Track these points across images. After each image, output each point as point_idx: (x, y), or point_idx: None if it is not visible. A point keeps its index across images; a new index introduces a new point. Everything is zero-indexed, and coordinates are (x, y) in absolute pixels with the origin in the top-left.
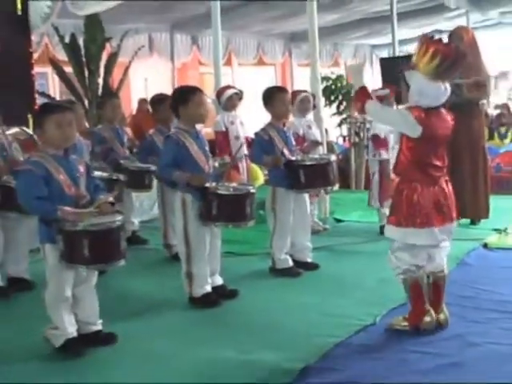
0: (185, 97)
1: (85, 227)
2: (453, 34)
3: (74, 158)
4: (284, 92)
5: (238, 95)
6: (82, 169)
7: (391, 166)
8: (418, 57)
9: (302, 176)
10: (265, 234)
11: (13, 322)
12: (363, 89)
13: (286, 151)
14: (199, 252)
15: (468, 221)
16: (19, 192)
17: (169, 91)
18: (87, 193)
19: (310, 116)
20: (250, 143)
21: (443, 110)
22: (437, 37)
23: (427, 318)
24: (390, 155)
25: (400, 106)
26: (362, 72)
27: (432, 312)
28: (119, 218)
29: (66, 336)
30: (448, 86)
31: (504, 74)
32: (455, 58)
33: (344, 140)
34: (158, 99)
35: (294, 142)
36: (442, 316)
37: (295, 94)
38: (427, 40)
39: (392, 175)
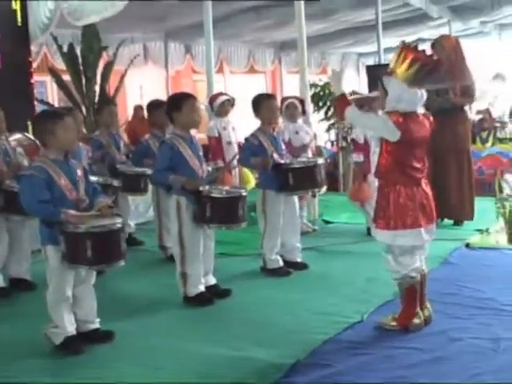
0: (178, 103)
1: (87, 229)
2: (435, 43)
3: (74, 162)
4: (271, 99)
5: (230, 102)
6: (80, 173)
7: (372, 170)
8: (396, 63)
9: (291, 179)
10: (256, 236)
11: (14, 321)
12: (342, 96)
13: (275, 155)
14: (193, 253)
15: (451, 222)
16: (23, 196)
17: (163, 98)
18: (86, 196)
19: (301, 121)
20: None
21: (420, 114)
22: (416, 45)
23: (416, 320)
24: (372, 159)
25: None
26: (340, 79)
27: (421, 314)
28: (120, 220)
29: (65, 334)
30: (424, 91)
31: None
32: (432, 65)
33: (332, 145)
34: (155, 105)
35: (283, 146)
36: (426, 312)
37: (283, 100)
38: (406, 48)
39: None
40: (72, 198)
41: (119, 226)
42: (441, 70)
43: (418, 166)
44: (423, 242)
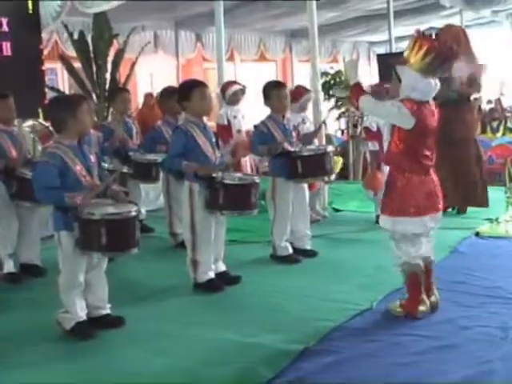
0: (189, 91)
1: (102, 216)
2: (446, 32)
3: (87, 147)
4: (281, 87)
5: (243, 90)
6: (93, 159)
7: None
8: (410, 53)
9: (300, 166)
10: (266, 223)
11: (24, 307)
12: (357, 85)
13: (285, 143)
14: (205, 240)
15: (456, 210)
16: (34, 182)
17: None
18: (100, 182)
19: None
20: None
21: (431, 103)
22: (430, 34)
23: (422, 308)
24: (384, 147)
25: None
26: (356, 68)
27: (427, 301)
28: (135, 208)
29: (76, 319)
30: (438, 81)
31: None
32: (448, 55)
33: (342, 133)
34: (168, 92)
35: (293, 134)
36: (433, 299)
37: (301, 91)
38: (421, 37)
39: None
40: (86, 183)
41: (134, 213)
42: (454, 58)
43: (428, 154)
44: (426, 230)
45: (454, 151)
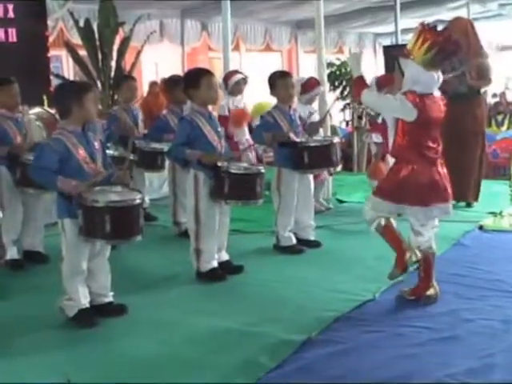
0: (196, 79)
1: (106, 203)
2: (454, 25)
3: (91, 134)
4: (286, 77)
5: (245, 80)
6: (97, 145)
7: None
8: (414, 45)
9: (306, 157)
10: (269, 213)
11: (27, 293)
12: (360, 78)
13: (290, 133)
14: (208, 229)
15: (463, 204)
16: (32, 161)
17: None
18: (104, 169)
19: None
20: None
21: (435, 94)
22: (435, 26)
23: (428, 292)
24: (390, 139)
25: None
26: (360, 61)
27: (436, 287)
28: (139, 195)
29: (79, 307)
30: (440, 74)
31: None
32: (452, 49)
33: (347, 124)
34: (174, 81)
35: (299, 124)
36: (433, 290)
37: (314, 83)
38: (425, 30)
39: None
40: (89, 169)
41: (138, 201)
42: (459, 53)
43: (433, 145)
44: (428, 220)
45: (463, 145)
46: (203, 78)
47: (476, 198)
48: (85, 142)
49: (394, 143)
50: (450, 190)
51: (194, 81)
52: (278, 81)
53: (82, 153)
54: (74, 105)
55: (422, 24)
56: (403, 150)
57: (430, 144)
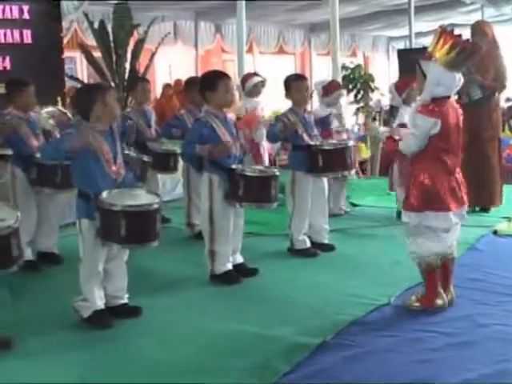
0: (213, 82)
1: (124, 208)
2: (476, 28)
3: (116, 134)
4: (301, 80)
5: (263, 83)
6: (119, 146)
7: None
8: (435, 47)
9: (321, 160)
10: (283, 216)
11: (41, 294)
12: (388, 142)
13: (305, 136)
14: (223, 231)
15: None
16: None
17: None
18: (123, 169)
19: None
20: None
21: (452, 99)
22: (452, 30)
23: (439, 301)
24: None
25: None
26: (377, 130)
27: (444, 295)
28: (157, 200)
29: (94, 308)
30: (461, 76)
31: None
32: (471, 50)
33: (359, 128)
34: (192, 82)
35: (314, 128)
36: (449, 296)
37: (335, 86)
38: (445, 32)
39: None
40: (111, 170)
41: (156, 206)
42: (478, 53)
43: (452, 153)
44: (451, 226)
45: (480, 151)
46: (220, 81)
47: (501, 201)
48: (111, 142)
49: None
50: (466, 196)
51: (211, 83)
52: (293, 84)
53: (106, 152)
54: (99, 105)
55: (441, 27)
56: (423, 158)
57: (450, 151)
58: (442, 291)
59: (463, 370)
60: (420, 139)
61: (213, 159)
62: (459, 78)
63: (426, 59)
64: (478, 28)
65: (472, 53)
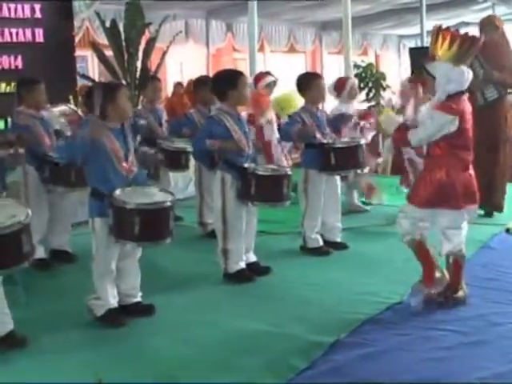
0: (234, 79)
1: (137, 206)
2: (487, 22)
3: (129, 132)
4: (320, 78)
5: (275, 82)
6: (132, 144)
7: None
8: (435, 47)
9: (333, 158)
10: (296, 215)
11: (54, 293)
12: (399, 130)
13: (318, 134)
14: (236, 230)
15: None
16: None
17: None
18: (135, 167)
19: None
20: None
21: (466, 97)
22: (466, 29)
23: (460, 293)
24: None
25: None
26: (393, 120)
27: (465, 287)
28: (171, 198)
29: (107, 306)
30: (470, 70)
31: None
32: (471, 41)
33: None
34: (202, 81)
35: (326, 126)
36: (461, 293)
37: (344, 80)
38: (441, 30)
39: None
40: (122, 167)
41: (169, 204)
42: (479, 44)
43: (468, 149)
44: (461, 224)
45: (494, 153)
46: (240, 79)
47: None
48: (122, 140)
49: (429, 147)
50: (477, 193)
51: (231, 81)
52: (313, 81)
53: (116, 150)
54: (111, 103)
55: (435, 26)
56: (438, 155)
57: (466, 148)
58: (463, 284)
59: (477, 369)
60: (431, 131)
61: (225, 157)
62: (468, 72)
63: (430, 61)
64: (490, 22)
65: (472, 43)
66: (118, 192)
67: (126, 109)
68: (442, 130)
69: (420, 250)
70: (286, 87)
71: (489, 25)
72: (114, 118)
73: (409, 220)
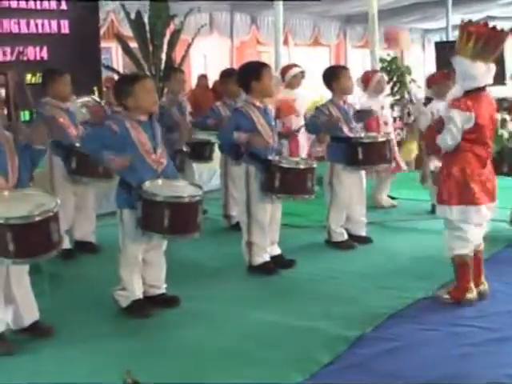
0: (259, 71)
1: (166, 199)
2: None
3: (157, 124)
4: (347, 70)
5: (302, 74)
6: (160, 137)
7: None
8: (460, 42)
9: (360, 153)
10: (320, 208)
11: (79, 283)
12: (429, 131)
13: (345, 128)
14: (260, 222)
15: None
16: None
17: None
18: (164, 160)
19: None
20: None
21: (487, 93)
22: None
23: (469, 295)
24: None
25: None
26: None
27: (474, 290)
28: (200, 192)
29: (132, 298)
30: (493, 65)
31: None
32: (488, 36)
33: (394, 121)
34: (228, 73)
35: (353, 120)
36: (482, 287)
37: (370, 74)
38: (463, 25)
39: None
40: (150, 159)
41: (198, 198)
42: (499, 38)
43: (486, 145)
44: (483, 220)
45: None
46: (265, 70)
47: None
48: (149, 132)
49: None
50: (496, 189)
51: (255, 72)
52: (342, 73)
53: (144, 141)
54: (138, 95)
55: (463, 21)
56: (455, 150)
57: (485, 143)
58: (473, 286)
59: (503, 365)
60: (454, 133)
61: (250, 150)
62: (488, 68)
63: (455, 55)
64: None
65: (490, 38)
66: (147, 184)
67: (147, 101)
68: (461, 128)
69: (461, 267)
70: (309, 80)
71: None
72: (141, 109)
73: (449, 231)
